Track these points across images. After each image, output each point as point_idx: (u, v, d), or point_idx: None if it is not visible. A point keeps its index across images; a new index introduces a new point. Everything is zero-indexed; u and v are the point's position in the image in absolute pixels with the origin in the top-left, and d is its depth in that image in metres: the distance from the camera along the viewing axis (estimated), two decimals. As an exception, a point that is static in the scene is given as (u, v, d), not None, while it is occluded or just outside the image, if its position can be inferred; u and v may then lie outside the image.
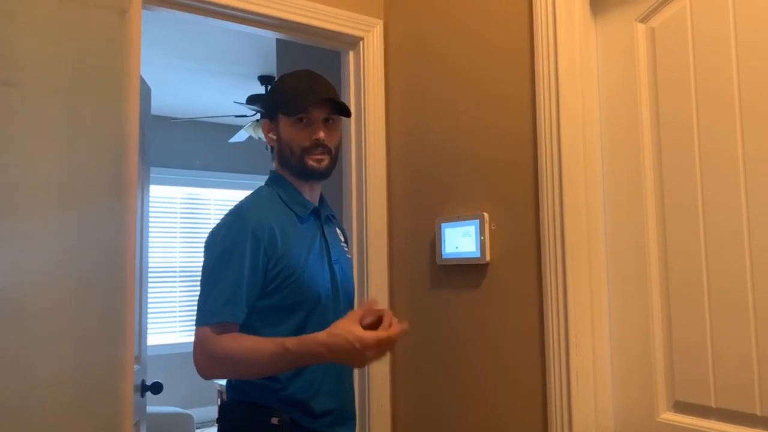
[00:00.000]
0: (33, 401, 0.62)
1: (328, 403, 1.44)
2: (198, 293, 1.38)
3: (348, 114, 1.50)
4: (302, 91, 1.44)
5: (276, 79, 1.56)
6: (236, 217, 1.40)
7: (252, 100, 4.48)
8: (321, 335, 1.26)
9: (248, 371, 1.34)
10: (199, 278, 1.40)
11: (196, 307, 1.37)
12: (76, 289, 0.64)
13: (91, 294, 0.64)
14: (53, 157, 0.65)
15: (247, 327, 1.36)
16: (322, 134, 1.44)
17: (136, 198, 0.67)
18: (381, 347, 1.24)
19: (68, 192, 0.65)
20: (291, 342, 1.28)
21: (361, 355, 1.23)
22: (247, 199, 1.47)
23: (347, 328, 1.24)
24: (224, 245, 1.37)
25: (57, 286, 0.63)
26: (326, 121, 1.46)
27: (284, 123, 1.46)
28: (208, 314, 1.33)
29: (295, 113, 1.44)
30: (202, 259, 1.41)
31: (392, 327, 1.26)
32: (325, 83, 1.49)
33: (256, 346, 1.30)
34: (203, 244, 1.43)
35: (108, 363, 0.65)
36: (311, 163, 1.45)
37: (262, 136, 4.42)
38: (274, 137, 1.50)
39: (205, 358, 1.32)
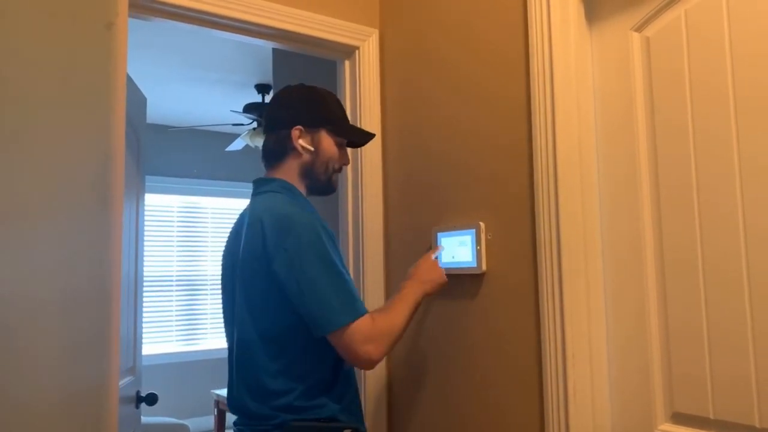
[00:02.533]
0: (13, 415, 0.61)
1: (356, 399, 1.52)
2: (310, 296, 1.38)
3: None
4: (349, 121, 1.64)
5: (297, 89, 1.70)
6: (309, 220, 1.40)
7: (249, 108, 4.48)
8: (407, 274, 1.63)
9: (403, 332, 1.47)
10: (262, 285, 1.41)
11: (322, 311, 1.35)
12: (58, 301, 0.63)
13: (73, 306, 0.63)
14: (37, 169, 0.64)
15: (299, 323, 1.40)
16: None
17: (122, 209, 0.66)
18: None
19: (52, 203, 0.64)
20: (405, 285, 1.56)
21: (436, 269, 1.64)
22: (291, 205, 1.45)
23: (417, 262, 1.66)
24: (317, 248, 1.37)
25: (37, 297, 0.62)
26: None
27: (328, 139, 1.56)
28: (352, 310, 1.36)
29: (354, 142, 1.65)
30: (293, 267, 1.37)
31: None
32: None
33: (399, 307, 1.48)
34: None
35: (92, 377, 0.63)
36: (335, 180, 1.60)
37: (258, 144, 4.41)
38: (311, 148, 1.53)
39: (380, 345, 1.37)
